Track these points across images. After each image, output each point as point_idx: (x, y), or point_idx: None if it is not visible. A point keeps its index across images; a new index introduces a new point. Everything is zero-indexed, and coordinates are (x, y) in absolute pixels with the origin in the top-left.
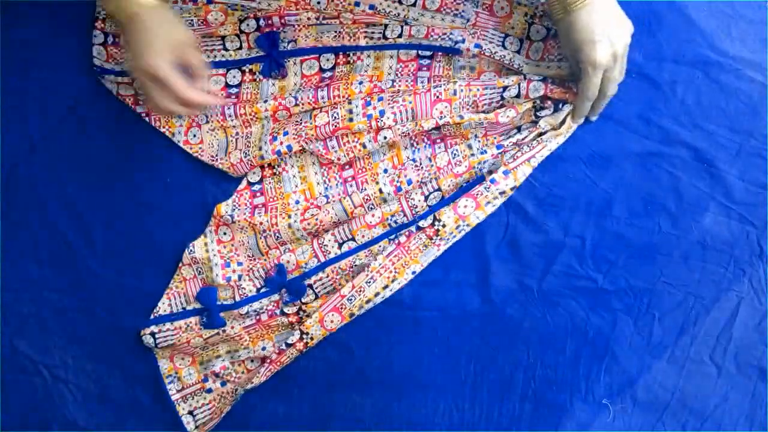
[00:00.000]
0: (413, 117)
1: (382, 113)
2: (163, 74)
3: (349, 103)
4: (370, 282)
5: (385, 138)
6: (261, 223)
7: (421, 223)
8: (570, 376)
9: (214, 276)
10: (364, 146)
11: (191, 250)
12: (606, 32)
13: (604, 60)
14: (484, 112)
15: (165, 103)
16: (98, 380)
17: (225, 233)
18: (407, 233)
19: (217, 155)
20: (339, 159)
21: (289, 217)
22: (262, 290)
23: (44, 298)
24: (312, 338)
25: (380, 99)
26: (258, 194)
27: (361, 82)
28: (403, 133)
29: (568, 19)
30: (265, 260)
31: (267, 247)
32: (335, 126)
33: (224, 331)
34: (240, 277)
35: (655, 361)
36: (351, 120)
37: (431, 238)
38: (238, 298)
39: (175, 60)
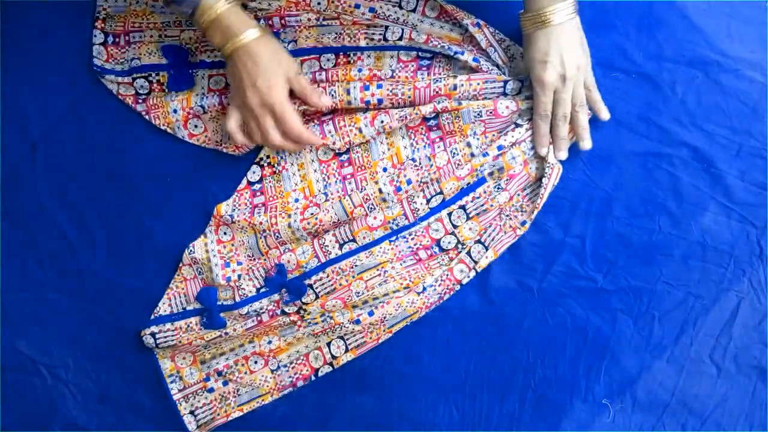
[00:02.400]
0: (412, 105)
1: (380, 101)
2: (280, 110)
3: (347, 84)
4: (382, 284)
5: (382, 122)
6: (261, 223)
7: (444, 245)
8: (570, 376)
9: (214, 276)
10: (360, 131)
11: (191, 251)
12: (558, 54)
13: (551, 79)
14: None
15: (276, 138)
16: (98, 380)
17: (225, 233)
18: (430, 253)
19: (221, 140)
20: (334, 143)
21: (289, 216)
22: (262, 290)
23: (44, 298)
24: (309, 313)
25: (379, 86)
26: (258, 193)
27: (360, 69)
28: (401, 117)
29: (531, 37)
30: (265, 260)
31: (267, 247)
32: (334, 104)
33: (226, 333)
34: (240, 276)
35: (655, 361)
36: (350, 103)
37: (452, 259)
38: (238, 299)
39: (287, 91)
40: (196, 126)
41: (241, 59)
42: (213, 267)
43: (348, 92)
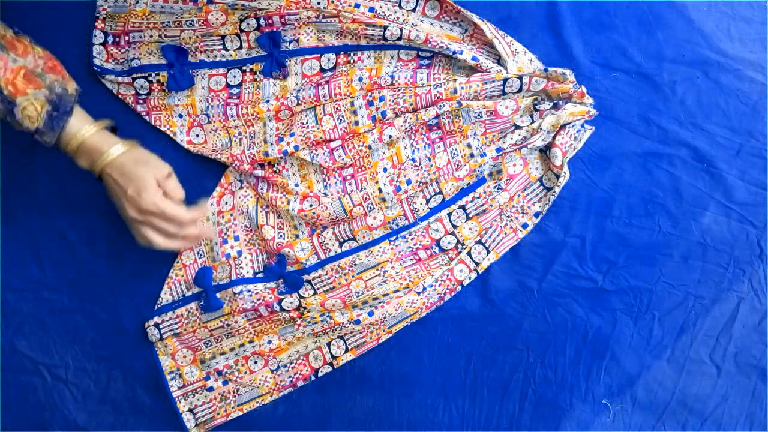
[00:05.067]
0: (416, 115)
1: (383, 114)
2: (159, 209)
3: (352, 104)
4: (382, 284)
5: (390, 137)
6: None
7: (444, 245)
8: (570, 376)
9: (215, 255)
10: (369, 147)
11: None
12: None
13: None
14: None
15: (164, 241)
16: (98, 380)
17: (227, 203)
18: (430, 253)
19: (220, 148)
20: (345, 164)
21: (288, 203)
22: (259, 275)
23: (44, 298)
24: (308, 312)
25: (381, 99)
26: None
27: (360, 78)
28: (406, 128)
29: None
30: (262, 243)
31: (265, 222)
32: (343, 130)
33: (228, 324)
34: (240, 253)
35: (655, 361)
36: (357, 123)
37: (452, 260)
38: (234, 277)
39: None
40: (197, 135)
41: (110, 176)
42: (213, 246)
43: (354, 113)
